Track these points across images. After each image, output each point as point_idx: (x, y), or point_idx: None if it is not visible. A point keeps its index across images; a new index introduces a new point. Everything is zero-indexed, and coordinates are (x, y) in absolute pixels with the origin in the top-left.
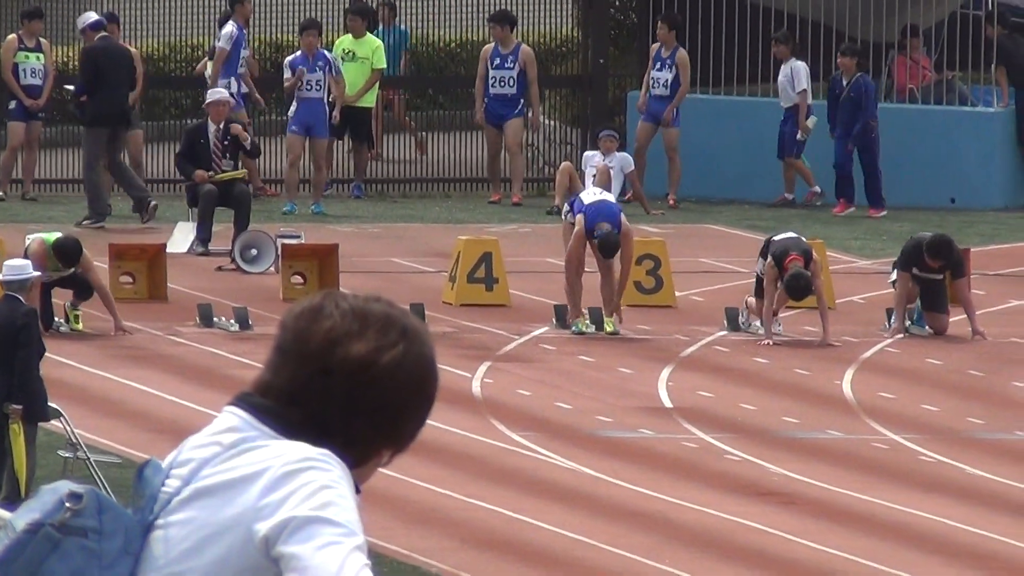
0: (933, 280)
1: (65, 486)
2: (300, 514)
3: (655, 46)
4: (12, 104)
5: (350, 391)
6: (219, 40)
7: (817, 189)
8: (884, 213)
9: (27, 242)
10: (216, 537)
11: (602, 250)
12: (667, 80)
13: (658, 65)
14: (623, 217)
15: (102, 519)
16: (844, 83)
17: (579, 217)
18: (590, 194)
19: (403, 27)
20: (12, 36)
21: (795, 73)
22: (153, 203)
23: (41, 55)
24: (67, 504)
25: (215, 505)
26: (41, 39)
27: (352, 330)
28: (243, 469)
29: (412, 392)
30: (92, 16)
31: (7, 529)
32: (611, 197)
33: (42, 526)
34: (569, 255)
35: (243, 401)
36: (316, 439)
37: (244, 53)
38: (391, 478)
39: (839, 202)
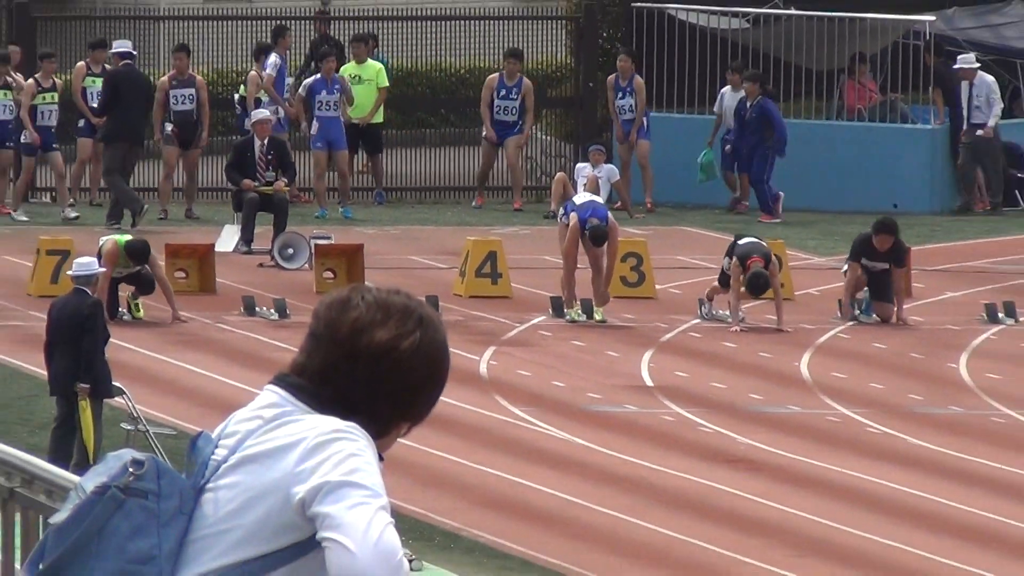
0: (880, 271)
1: (128, 454)
2: (332, 479)
3: (612, 77)
4: (81, 123)
5: (374, 373)
6: (266, 68)
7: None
8: (778, 220)
9: (101, 242)
10: (259, 499)
11: (592, 239)
12: (631, 105)
13: (620, 94)
14: (610, 214)
15: (160, 483)
16: (748, 105)
17: (572, 215)
18: (581, 197)
19: (383, 59)
20: (81, 63)
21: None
22: (145, 208)
23: None
24: (130, 469)
25: (258, 471)
26: (106, 65)
27: (376, 319)
28: (282, 439)
29: (428, 373)
30: (125, 45)
31: (77, 491)
32: (599, 199)
33: (108, 488)
34: (565, 250)
35: (281, 380)
36: (345, 414)
37: (288, 81)
38: (410, 447)
39: (763, 213)
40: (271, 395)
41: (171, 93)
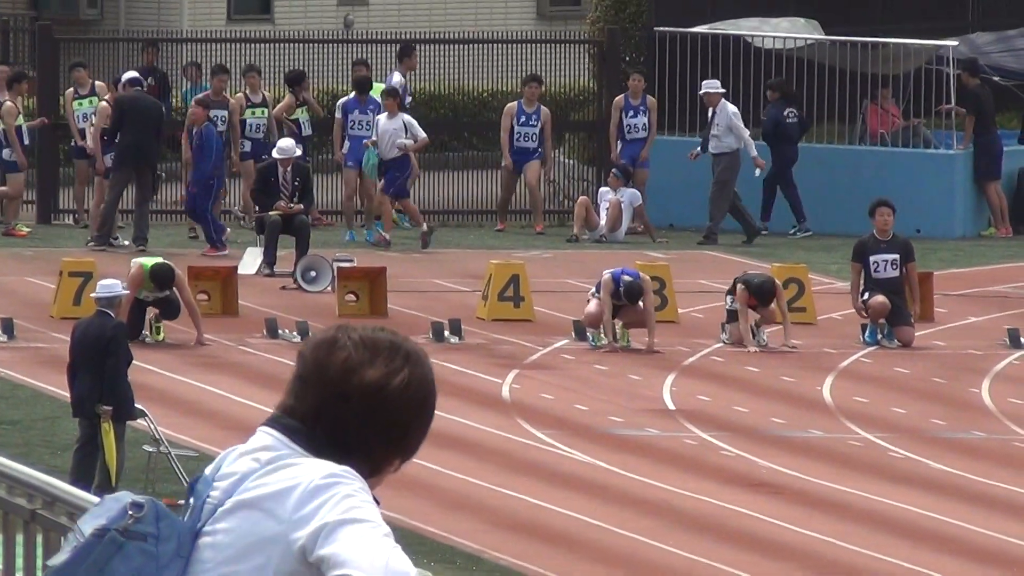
0: (889, 277)
1: (127, 496)
2: (331, 519)
3: (619, 98)
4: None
5: (366, 412)
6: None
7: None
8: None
9: (132, 267)
10: (258, 545)
11: (627, 296)
12: (644, 124)
13: (631, 112)
14: (643, 274)
15: (159, 526)
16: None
17: (606, 278)
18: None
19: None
20: (70, 89)
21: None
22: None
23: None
24: (130, 512)
25: (255, 517)
26: (96, 83)
27: (364, 359)
28: (278, 484)
29: (417, 409)
30: (131, 74)
31: (76, 533)
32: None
33: (108, 531)
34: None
35: (276, 422)
36: (339, 456)
37: (407, 100)
38: (431, 470)
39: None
40: (266, 437)
41: None
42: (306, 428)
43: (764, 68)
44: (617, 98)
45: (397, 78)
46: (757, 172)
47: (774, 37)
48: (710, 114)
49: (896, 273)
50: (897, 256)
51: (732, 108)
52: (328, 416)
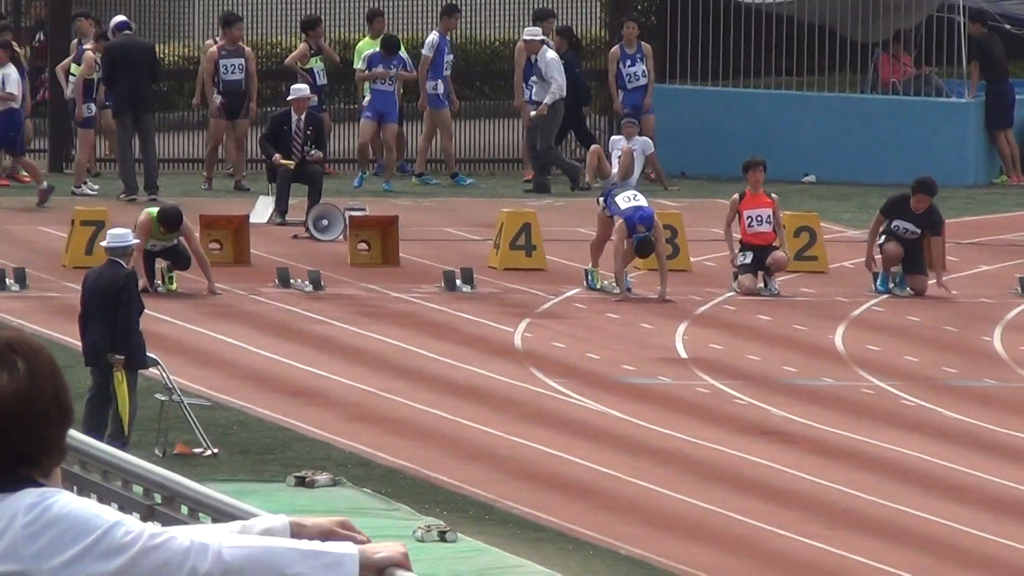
0: (911, 239)
1: None
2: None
3: (615, 49)
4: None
5: (3, 427)
6: (424, 48)
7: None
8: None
9: (140, 215)
10: None
11: (639, 252)
12: (643, 71)
13: (628, 61)
14: (656, 218)
15: None
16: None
17: (620, 222)
18: (625, 199)
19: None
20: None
21: None
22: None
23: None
24: None
25: None
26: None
27: None
28: None
29: (43, 409)
30: (119, 19)
31: None
32: (644, 201)
33: None
34: (615, 248)
35: None
36: (21, 472)
37: (448, 58)
38: (444, 419)
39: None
40: None
41: (220, 63)
42: None
43: (776, 20)
44: (613, 49)
45: (432, 37)
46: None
47: None
48: (533, 60)
49: (916, 237)
50: (921, 229)
51: (551, 55)
52: None
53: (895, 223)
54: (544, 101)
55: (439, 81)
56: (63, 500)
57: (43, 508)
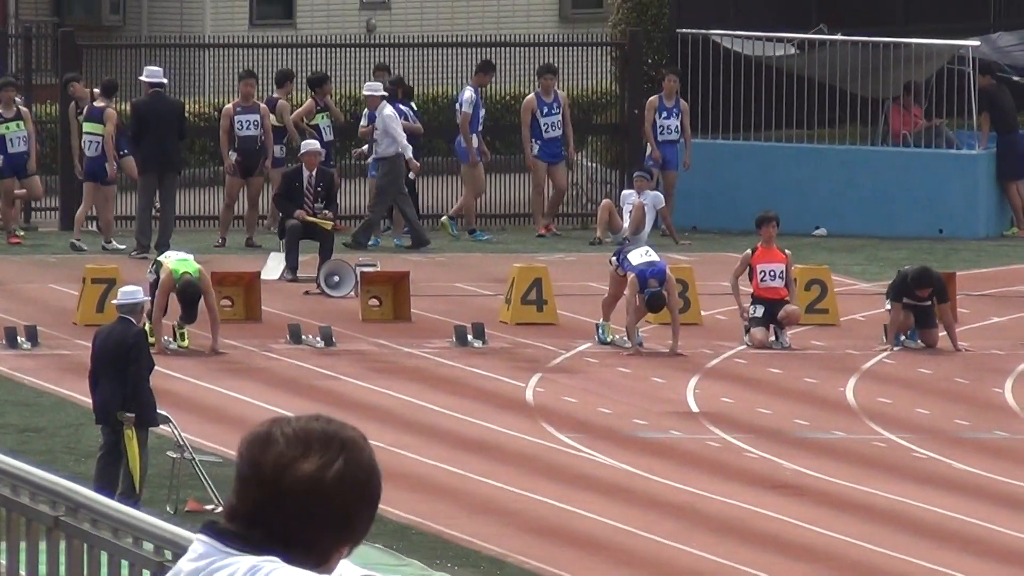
0: (923, 306)
1: None
2: None
3: (654, 99)
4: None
5: (304, 507)
6: (461, 104)
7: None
8: None
9: (162, 273)
10: None
11: (650, 306)
12: (676, 126)
13: (664, 114)
14: (668, 270)
15: None
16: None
17: (632, 277)
18: (638, 255)
19: (413, 105)
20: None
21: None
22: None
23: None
24: None
25: None
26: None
27: (297, 453)
28: None
29: (358, 497)
30: (156, 75)
31: None
32: (656, 256)
33: None
34: (627, 303)
35: (209, 528)
36: (281, 550)
37: (481, 112)
38: (455, 474)
39: None
40: (199, 546)
41: (235, 119)
42: (243, 529)
43: (786, 74)
44: (651, 98)
45: (468, 93)
46: (411, 175)
47: (797, 40)
48: (371, 117)
49: (930, 303)
50: (929, 301)
51: (389, 111)
52: (266, 515)
53: (905, 300)
54: (407, 155)
55: (474, 136)
56: (278, 567)
57: (257, 569)
